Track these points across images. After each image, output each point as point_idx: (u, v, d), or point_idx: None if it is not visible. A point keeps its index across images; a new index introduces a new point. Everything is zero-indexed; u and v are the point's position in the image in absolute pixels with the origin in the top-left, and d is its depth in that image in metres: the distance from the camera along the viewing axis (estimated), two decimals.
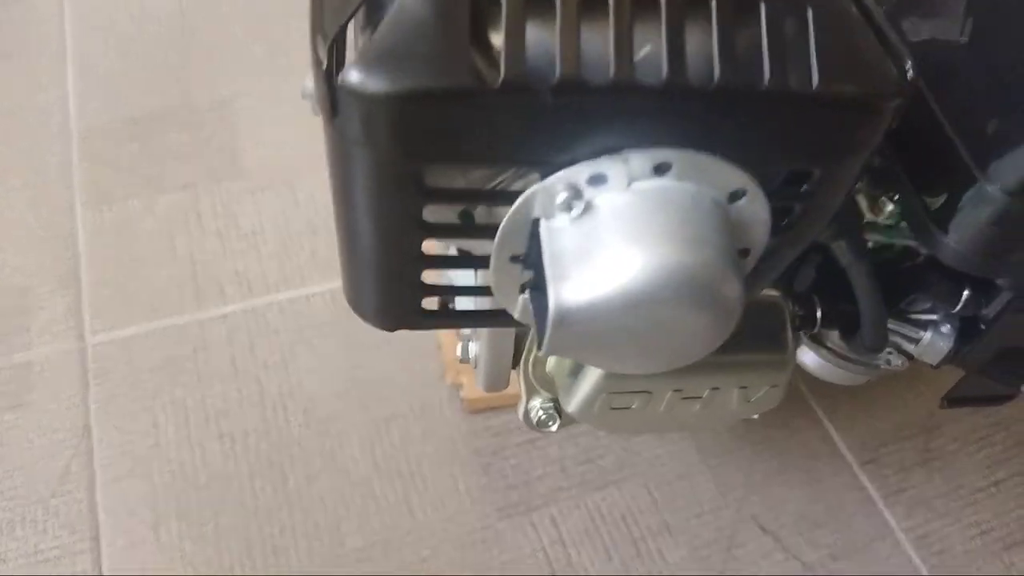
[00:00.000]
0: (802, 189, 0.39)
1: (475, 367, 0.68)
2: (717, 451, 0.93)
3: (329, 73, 0.33)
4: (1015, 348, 0.60)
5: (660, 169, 0.36)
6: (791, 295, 0.62)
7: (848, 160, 0.38)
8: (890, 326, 0.62)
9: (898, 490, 0.91)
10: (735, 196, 0.38)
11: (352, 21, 0.33)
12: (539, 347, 0.39)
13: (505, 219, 0.37)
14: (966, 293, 0.56)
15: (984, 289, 0.56)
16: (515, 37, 0.32)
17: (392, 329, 0.47)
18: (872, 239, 0.55)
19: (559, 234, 0.37)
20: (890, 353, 0.65)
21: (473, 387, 0.87)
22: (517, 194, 0.36)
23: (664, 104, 0.34)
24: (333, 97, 0.33)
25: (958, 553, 0.88)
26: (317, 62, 0.33)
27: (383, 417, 0.92)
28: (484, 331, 0.61)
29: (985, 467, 0.94)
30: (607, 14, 0.32)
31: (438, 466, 0.89)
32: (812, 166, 0.38)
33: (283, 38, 1.29)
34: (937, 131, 0.48)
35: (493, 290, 0.42)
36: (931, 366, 0.64)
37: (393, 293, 0.44)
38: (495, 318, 0.45)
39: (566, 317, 0.36)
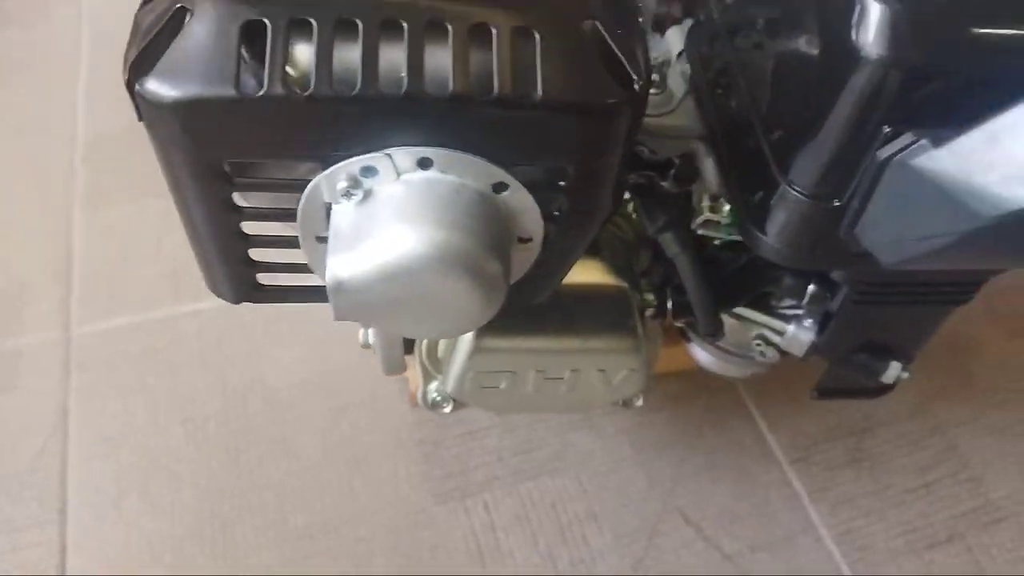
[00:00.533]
0: (560, 183, 0.45)
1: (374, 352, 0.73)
2: (650, 446, 0.97)
3: (130, 86, 0.39)
4: (871, 341, 0.63)
5: (423, 164, 0.42)
6: (644, 287, 0.67)
7: (590, 159, 0.43)
8: (758, 319, 0.66)
9: (824, 488, 0.94)
10: (499, 188, 0.43)
11: (157, 44, 0.40)
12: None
13: (300, 204, 0.44)
14: (811, 288, 0.60)
15: (828, 284, 0.60)
16: (277, 55, 0.38)
17: (236, 302, 0.54)
18: (716, 236, 0.60)
19: (343, 216, 0.43)
20: (759, 345, 0.69)
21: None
22: (307, 182, 0.43)
23: (412, 109, 0.39)
24: (136, 105, 0.40)
25: (880, 551, 0.91)
26: (127, 84, 0.40)
27: (336, 407, 0.98)
28: None
29: (916, 469, 0.97)
30: (358, 37, 0.38)
31: (383, 453, 0.95)
32: (555, 164, 0.43)
33: None
34: (752, 137, 0.52)
35: (310, 267, 0.48)
36: (799, 358, 0.68)
37: (229, 270, 0.50)
38: (320, 293, 0.51)
39: (340, 286, 0.42)
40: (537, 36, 0.39)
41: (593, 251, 0.64)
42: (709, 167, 0.60)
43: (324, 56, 0.38)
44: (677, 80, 0.65)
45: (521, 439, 0.97)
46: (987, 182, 0.40)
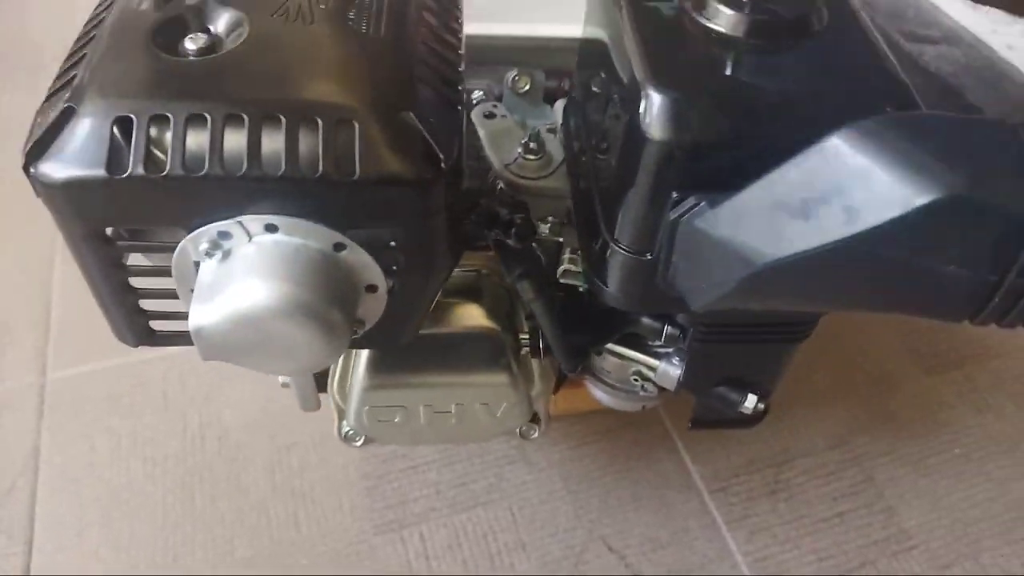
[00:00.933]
0: (392, 244, 0.52)
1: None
2: (579, 478, 1.03)
3: (26, 169, 0.48)
4: (728, 376, 0.70)
5: (270, 228, 0.50)
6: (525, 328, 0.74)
7: (408, 225, 0.51)
8: (634, 357, 0.73)
9: (743, 517, 1.00)
10: (338, 247, 0.51)
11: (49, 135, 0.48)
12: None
13: (174, 262, 0.52)
14: (667, 328, 0.67)
15: (681, 325, 0.67)
16: (140, 143, 0.46)
17: (135, 346, 0.62)
18: (576, 283, 0.67)
19: (205, 272, 0.51)
20: (637, 381, 0.75)
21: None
22: (175, 244, 0.51)
23: (252, 186, 0.47)
24: (32, 185, 0.48)
25: None
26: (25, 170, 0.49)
27: (286, 445, 1.05)
28: None
29: (831, 499, 1.02)
30: (207, 128, 0.47)
31: (328, 488, 1.01)
32: (380, 229, 0.51)
33: None
34: (590, 198, 0.60)
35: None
36: (672, 392, 0.74)
37: (125, 319, 0.58)
38: None
39: (200, 332, 0.50)
40: (357, 125, 0.47)
41: (476, 297, 0.72)
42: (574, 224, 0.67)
43: (178, 144, 0.46)
44: (557, 147, 0.73)
45: (459, 473, 1.03)
46: (750, 239, 0.47)
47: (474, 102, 0.79)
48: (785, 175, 0.46)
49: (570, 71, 0.78)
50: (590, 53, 0.66)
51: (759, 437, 1.07)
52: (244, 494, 1.01)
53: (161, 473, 1.02)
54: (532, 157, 0.71)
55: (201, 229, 0.50)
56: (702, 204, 0.49)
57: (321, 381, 0.78)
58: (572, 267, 0.65)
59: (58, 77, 0.53)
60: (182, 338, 0.59)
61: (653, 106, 0.48)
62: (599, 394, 0.81)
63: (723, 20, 0.53)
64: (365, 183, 0.47)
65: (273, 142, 0.47)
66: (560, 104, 0.77)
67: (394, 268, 0.54)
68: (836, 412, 1.10)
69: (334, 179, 0.47)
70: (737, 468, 1.04)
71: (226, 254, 0.51)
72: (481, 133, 0.75)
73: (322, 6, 0.54)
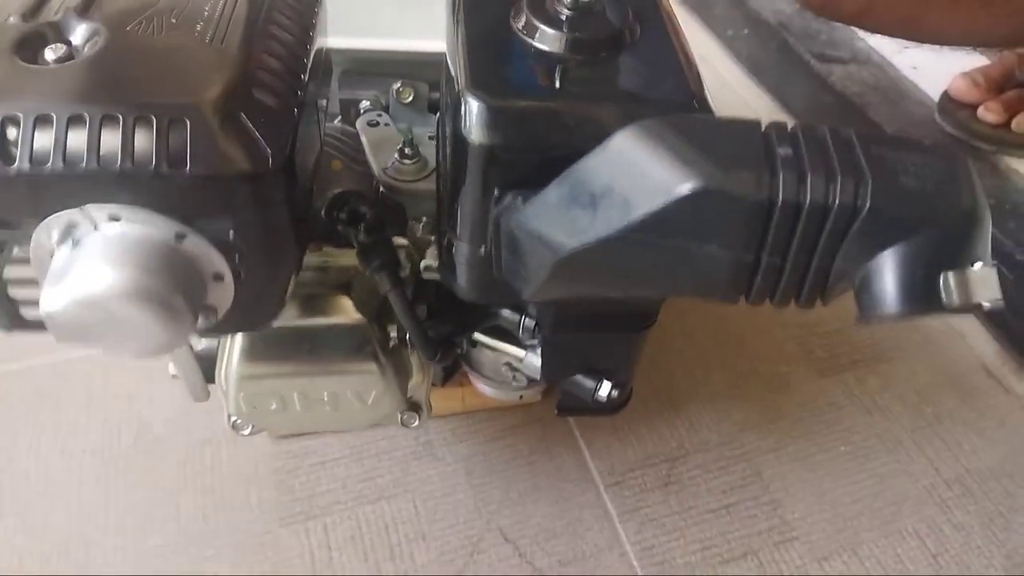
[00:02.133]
0: (229, 234, 0.57)
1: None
2: (483, 472, 1.08)
3: None
4: (582, 365, 0.75)
5: (114, 217, 0.54)
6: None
7: (240, 217, 0.56)
8: (502, 348, 0.78)
9: (634, 509, 1.05)
10: (180, 237, 0.56)
11: None
12: None
13: (31, 252, 0.56)
14: (524, 320, 0.72)
15: (537, 319, 0.72)
16: None
17: (8, 331, 0.66)
18: (435, 277, 0.72)
19: (58, 260, 0.55)
20: (507, 371, 0.80)
21: None
22: (29, 233, 0.56)
23: (92, 179, 0.53)
24: None
25: (678, 565, 1.00)
26: None
27: (200, 441, 1.09)
28: (176, 350, 0.79)
29: (720, 492, 1.07)
30: (53, 126, 0.52)
31: (237, 482, 1.05)
32: (216, 220, 0.56)
33: None
34: (441, 195, 0.65)
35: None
36: (537, 380, 0.79)
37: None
38: None
39: (50, 316, 0.54)
40: (188, 122, 0.52)
41: (348, 291, 0.77)
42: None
43: (27, 142, 0.51)
44: (433, 152, 0.79)
45: (367, 468, 1.07)
46: (554, 231, 0.52)
47: (361, 111, 0.84)
48: (577, 170, 0.51)
49: None
50: (443, 67, 0.71)
51: (656, 434, 1.12)
52: (156, 487, 1.05)
53: (78, 466, 1.06)
54: (408, 162, 0.77)
55: (50, 218, 0.55)
56: (517, 200, 0.55)
57: (210, 372, 0.83)
58: (431, 262, 0.70)
59: None
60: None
61: (471, 112, 0.54)
62: (480, 385, 0.86)
63: (546, 40, 0.59)
64: (196, 177, 0.53)
65: (113, 139, 0.52)
66: None
67: (236, 257, 0.59)
68: (731, 410, 1.16)
69: (167, 173, 0.52)
70: (633, 463, 1.09)
71: (76, 243, 0.55)
72: (364, 140, 0.80)
73: (173, 20, 0.59)
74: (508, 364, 0.79)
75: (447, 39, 0.68)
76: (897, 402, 1.18)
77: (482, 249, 0.60)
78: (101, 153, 0.52)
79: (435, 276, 0.72)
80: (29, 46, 0.57)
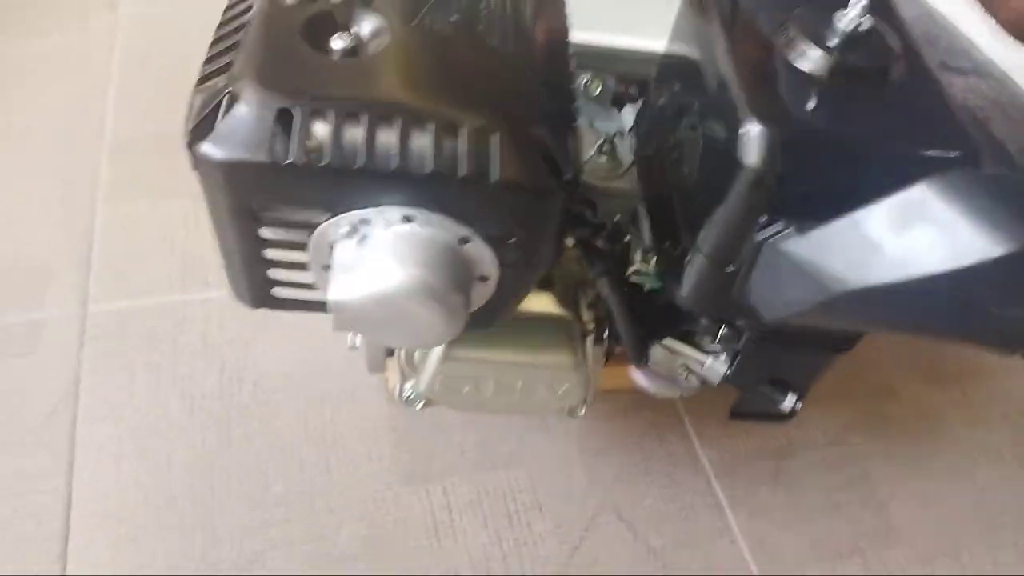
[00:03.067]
0: (510, 241, 0.58)
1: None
2: (595, 450, 1.09)
3: (190, 146, 0.53)
4: (771, 375, 0.76)
5: (408, 219, 0.55)
6: (589, 318, 0.80)
7: (530, 227, 0.57)
8: (684, 351, 0.79)
9: (744, 500, 1.06)
10: (463, 240, 0.57)
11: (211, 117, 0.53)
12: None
13: (311, 240, 0.57)
14: (723, 330, 0.73)
15: (735, 327, 0.73)
16: (299, 135, 0.51)
17: (254, 307, 0.67)
18: (645, 283, 0.73)
19: (343, 252, 0.56)
20: (683, 372, 0.81)
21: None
22: (317, 224, 0.56)
23: (399, 180, 0.53)
24: (193, 158, 0.53)
25: (787, 558, 1.02)
26: (186, 143, 0.53)
27: (319, 396, 1.10)
28: None
29: (828, 490, 1.09)
30: (361, 126, 0.52)
31: (357, 439, 1.06)
32: (505, 228, 0.57)
33: None
34: (672, 207, 0.66)
35: (316, 287, 0.61)
36: (714, 385, 0.80)
37: (251, 284, 0.63)
38: (320, 306, 0.64)
39: (339, 306, 0.55)
40: (495, 136, 0.53)
41: (547, 285, 0.78)
42: (645, 226, 0.73)
43: (337, 138, 0.51)
44: (627, 150, 0.79)
45: (482, 436, 1.09)
46: (834, 266, 0.53)
47: None
48: (874, 213, 0.52)
49: (636, 78, 0.83)
50: (675, 69, 0.71)
51: (764, 429, 1.13)
52: (277, 436, 1.06)
53: (198, 409, 1.07)
54: (604, 160, 0.77)
55: (344, 214, 0.55)
56: (790, 229, 0.55)
57: (389, 348, 0.84)
58: (642, 267, 0.71)
59: (210, 60, 0.57)
60: (297, 304, 0.64)
61: (752, 138, 0.54)
62: (639, 378, 0.87)
63: (810, 60, 0.59)
64: (497, 188, 0.53)
65: (420, 143, 0.52)
66: (629, 109, 0.83)
67: (507, 262, 0.60)
68: (839, 412, 1.17)
69: (472, 182, 0.53)
70: (741, 455, 1.11)
71: (363, 237, 0.56)
72: None
73: (452, 19, 0.59)
74: (686, 367, 0.80)
75: (688, 43, 0.67)
76: (1000, 416, 1.20)
77: (729, 268, 0.60)
78: (410, 157, 0.52)
79: (643, 281, 0.72)
80: (315, 30, 0.56)
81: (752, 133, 0.54)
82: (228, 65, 0.54)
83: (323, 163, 0.52)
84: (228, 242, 0.60)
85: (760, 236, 0.57)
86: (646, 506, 1.04)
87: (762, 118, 0.54)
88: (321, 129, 0.52)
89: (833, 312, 0.56)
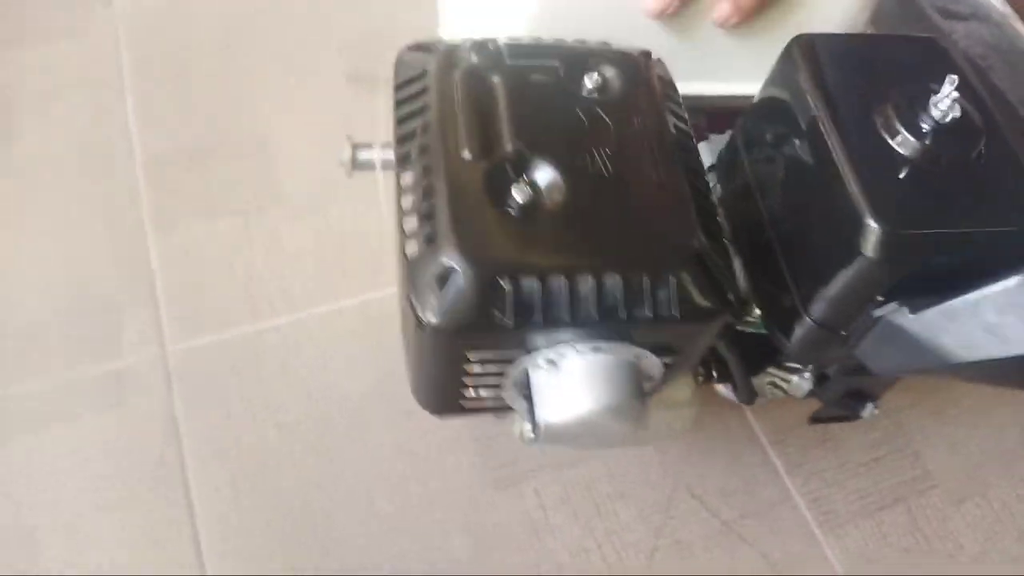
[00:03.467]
0: (676, 354, 0.66)
1: None
2: None
3: (418, 318, 0.59)
4: (852, 390, 0.86)
5: (596, 349, 0.62)
6: None
7: (694, 348, 0.64)
8: (771, 371, 0.88)
9: (798, 464, 1.19)
10: (639, 357, 0.64)
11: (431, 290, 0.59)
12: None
13: (513, 371, 0.64)
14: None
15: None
16: (510, 306, 0.58)
17: (439, 415, 0.75)
18: (748, 329, 0.81)
19: (541, 379, 0.63)
20: (770, 388, 0.91)
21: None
22: (516, 359, 0.63)
23: (598, 326, 0.60)
24: (419, 322, 0.59)
25: (841, 513, 1.16)
26: (410, 307, 0.59)
27: (403, 411, 1.18)
28: None
29: (868, 447, 1.22)
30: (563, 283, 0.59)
31: (446, 449, 1.16)
32: (677, 348, 0.64)
33: (311, 69, 1.54)
34: (775, 261, 0.73)
35: (508, 402, 0.69)
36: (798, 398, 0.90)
37: (443, 400, 0.70)
38: (510, 409, 0.72)
39: (547, 427, 0.63)
40: (674, 278, 0.60)
41: None
42: (737, 266, 0.80)
43: (545, 300, 0.58)
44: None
45: None
46: (946, 343, 0.62)
47: None
48: (983, 297, 0.59)
49: (708, 111, 0.89)
50: (771, 118, 0.76)
51: (809, 400, 1.25)
52: (373, 454, 1.14)
53: (294, 435, 1.15)
54: None
55: (543, 351, 0.62)
56: (904, 308, 0.63)
57: None
58: (752, 318, 0.79)
59: (407, 216, 0.63)
60: (478, 409, 0.71)
61: (874, 234, 0.61)
62: (725, 391, 0.97)
63: (908, 146, 0.65)
64: (678, 321, 0.61)
65: (613, 293, 0.59)
66: (703, 147, 0.88)
67: (670, 365, 0.67)
68: None
69: (653, 320, 0.60)
70: (791, 423, 1.22)
71: (556, 366, 0.63)
72: None
73: (610, 151, 0.64)
74: (773, 383, 0.89)
75: (785, 96, 0.72)
76: None
77: (842, 333, 0.68)
78: (604, 307, 0.59)
79: (751, 330, 0.80)
80: (495, 186, 0.61)
81: (872, 232, 0.61)
82: (431, 231, 0.60)
83: (533, 320, 0.58)
84: (431, 374, 0.67)
85: (876, 313, 0.65)
86: (713, 481, 1.16)
87: (882, 216, 0.61)
88: (529, 290, 0.58)
89: (938, 372, 0.65)
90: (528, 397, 0.65)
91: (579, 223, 0.62)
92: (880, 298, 0.64)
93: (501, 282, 0.58)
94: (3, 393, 1.15)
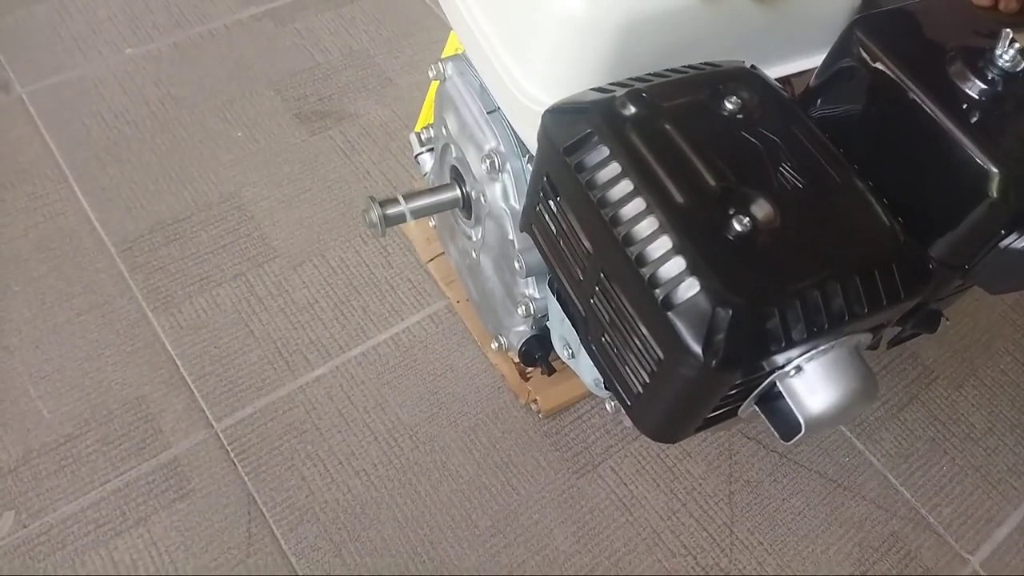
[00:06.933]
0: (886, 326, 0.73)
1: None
2: None
3: (689, 363, 0.62)
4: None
5: (833, 346, 0.68)
6: None
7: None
8: None
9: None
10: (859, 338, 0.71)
11: None
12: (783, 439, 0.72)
13: (760, 387, 0.69)
14: None
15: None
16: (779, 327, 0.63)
17: (672, 442, 0.80)
18: None
19: (790, 384, 0.68)
20: None
21: (547, 400, 1.19)
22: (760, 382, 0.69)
23: (839, 329, 0.65)
24: (693, 366, 0.62)
25: (871, 421, 1.30)
26: (674, 354, 0.63)
27: (469, 427, 1.22)
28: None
29: (878, 356, 1.36)
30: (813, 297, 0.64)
31: (522, 452, 1.21)
32: (884, 325, 0.72)
33: (253, 117, 1.51)
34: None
35: (741, 413, 0.74)
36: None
37: (685, 428, 0.74)
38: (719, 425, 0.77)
39: (813, 419, 0.68)
40: (895, 266, 0.66)
41: None
42: None
43: (808, 321, 0.62)
44: None
45: (608, 417, 1.26)
46: None
47: None
48: None
49: None
50: (841, 96, 0.82)
51: None
52: (457, 476, 1.18)
53: (378, 480, 1.16)
54: None
55: (796, 362, 0.66)
56: (1021, 238, 0.74)
57: None
58: None
59: (645, 268, 0.64)
60: (709, 426, 0.76)
61: (995, 178, 0.69)
62: None
63: (982, 93, 0.75)
64: (902, 301, 0.67)
65: (856, 292, 0.64)
66: None
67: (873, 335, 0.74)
68: None
69: (889, 306, 0.66)
70: None
71: (799, 369, 0.67)
72: None
73: (789, 165, 0.68)
74: None
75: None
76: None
77: (964, 267, 0.78)
78: (851, 308, 0.64)
79: None
80: (717, 224, 0.64)
81: (996, 174, 0.69)
82: (677, 275, 0.62)
83: (797, 338, 0.63)
84: (680, 409, 0.70)
85: (1002, 244, 0.74)
86: (761, 421, 1.27)
87: (1000, 162, 0.69)
88: (792, 311, 0.63)
89: None
90: (767, 404, 0.71)
91: (802, 238, 0.66)
92: (1003, 231, 0.75)
93: (768, 311, 0.62)
94: (57, 516, 1.10)
